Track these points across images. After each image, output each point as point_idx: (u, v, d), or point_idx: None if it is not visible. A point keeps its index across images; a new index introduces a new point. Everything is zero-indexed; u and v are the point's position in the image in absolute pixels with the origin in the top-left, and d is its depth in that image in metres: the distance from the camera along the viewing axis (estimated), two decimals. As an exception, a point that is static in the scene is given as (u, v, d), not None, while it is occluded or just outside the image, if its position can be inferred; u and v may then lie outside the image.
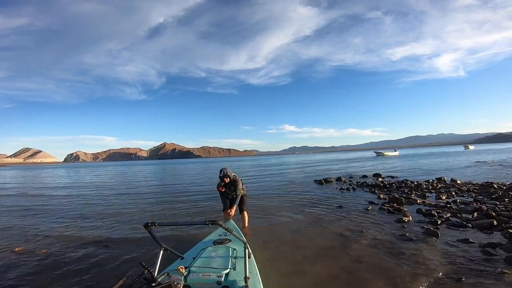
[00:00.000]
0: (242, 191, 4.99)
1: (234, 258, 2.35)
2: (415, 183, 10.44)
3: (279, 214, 6.63)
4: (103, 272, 3.47)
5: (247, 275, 1.94)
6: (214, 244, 2.69)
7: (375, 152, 46.65)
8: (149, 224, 1.80)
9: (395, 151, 45.38)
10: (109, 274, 3.39)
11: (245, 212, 5.29)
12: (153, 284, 1.62)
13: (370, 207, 6.79)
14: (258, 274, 2.19)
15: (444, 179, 11.14)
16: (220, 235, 3.02)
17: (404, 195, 8.04)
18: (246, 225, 5.31)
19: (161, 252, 2.09)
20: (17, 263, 3.92)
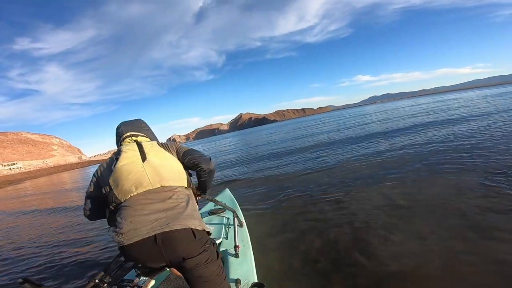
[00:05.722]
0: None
1: (227, 227, 2.34)
2: None
3: None
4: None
5: (237, 244, 1.93)
6: (209, 215, 2.66)
7: None
8: None
9: None
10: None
11: None
12: None
13: None
14: (250, 242, 2.11)
15: None
16: (215, 205, 2.77)
17: None
18: None
19: None
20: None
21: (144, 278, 1.75)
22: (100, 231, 4.43)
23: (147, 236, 1.10)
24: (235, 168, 8.79)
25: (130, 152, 1.33)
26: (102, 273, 1.39)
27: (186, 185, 1.38)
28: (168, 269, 1.71)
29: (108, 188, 1.28)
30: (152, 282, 1.81)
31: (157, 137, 1.66)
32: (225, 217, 2.52)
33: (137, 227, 1.12)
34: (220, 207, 2.63)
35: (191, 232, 1.16)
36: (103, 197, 1.31)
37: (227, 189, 3.52)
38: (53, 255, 3.74)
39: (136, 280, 1.69)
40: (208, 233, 1.28)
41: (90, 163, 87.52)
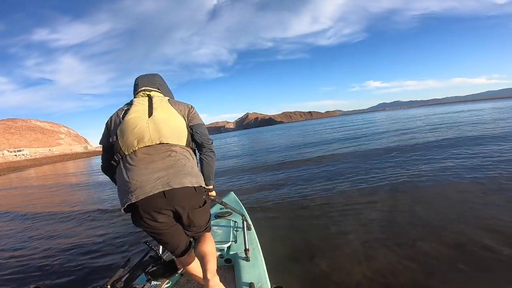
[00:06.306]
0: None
1: (235, 230, 2.33)
2: None
3: None
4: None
5: (247, 247, 1.94)
6: (216, 218, 2.60)
7: None
8: None
9: None
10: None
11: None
12: (159, 262, 1.58)
13: None
14: (259, 245, 2.15)
15: None
16: (221, 208, 2.84)
17: None
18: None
19: None
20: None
21: (155, 283, 1.74)
22: (109, 237, 4.23)
23: (151, 194, 1.20)
24: (240, 173, 8.21)
25: (139, 106, 1.41)
26: (113, 278, 1.39)
27: (185, 144, 1.42)
28: (178, 273, 1.70)
29: (115, 138, 1.35)
30: (163, 287, 1.81)
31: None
32: (232, 220, 2.50)
33: (142, 185, 1.21)
34: (226, 210, 2.65)
35: (192, 188, 1.30)
36: (110, 146, 1.37)
37: (232, 193, 3.49)
38: (62, 260, 3.63)
39: (147, 285, 1.66)
40: (204, 187, 1.41)
41: (95, 153, 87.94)
